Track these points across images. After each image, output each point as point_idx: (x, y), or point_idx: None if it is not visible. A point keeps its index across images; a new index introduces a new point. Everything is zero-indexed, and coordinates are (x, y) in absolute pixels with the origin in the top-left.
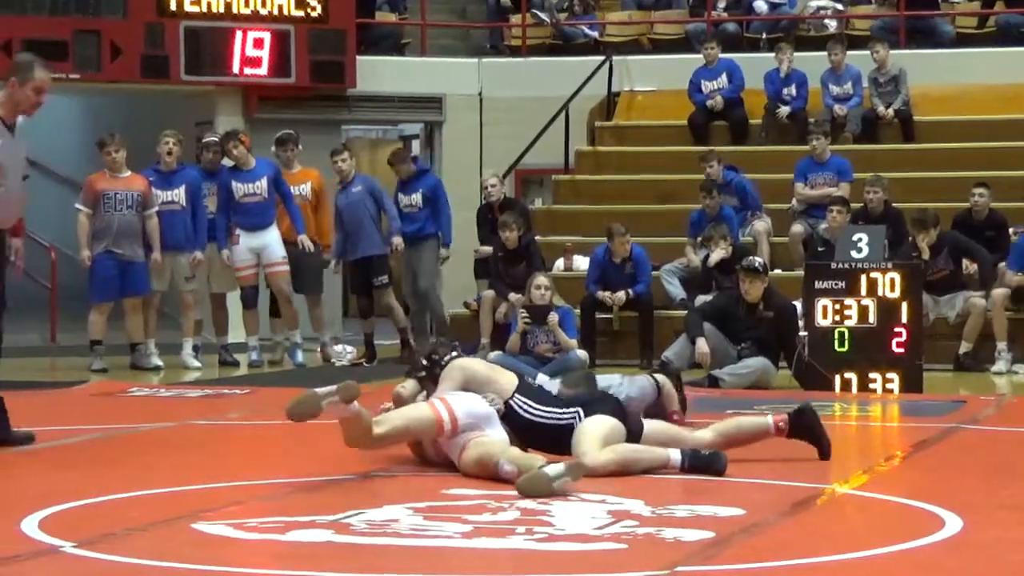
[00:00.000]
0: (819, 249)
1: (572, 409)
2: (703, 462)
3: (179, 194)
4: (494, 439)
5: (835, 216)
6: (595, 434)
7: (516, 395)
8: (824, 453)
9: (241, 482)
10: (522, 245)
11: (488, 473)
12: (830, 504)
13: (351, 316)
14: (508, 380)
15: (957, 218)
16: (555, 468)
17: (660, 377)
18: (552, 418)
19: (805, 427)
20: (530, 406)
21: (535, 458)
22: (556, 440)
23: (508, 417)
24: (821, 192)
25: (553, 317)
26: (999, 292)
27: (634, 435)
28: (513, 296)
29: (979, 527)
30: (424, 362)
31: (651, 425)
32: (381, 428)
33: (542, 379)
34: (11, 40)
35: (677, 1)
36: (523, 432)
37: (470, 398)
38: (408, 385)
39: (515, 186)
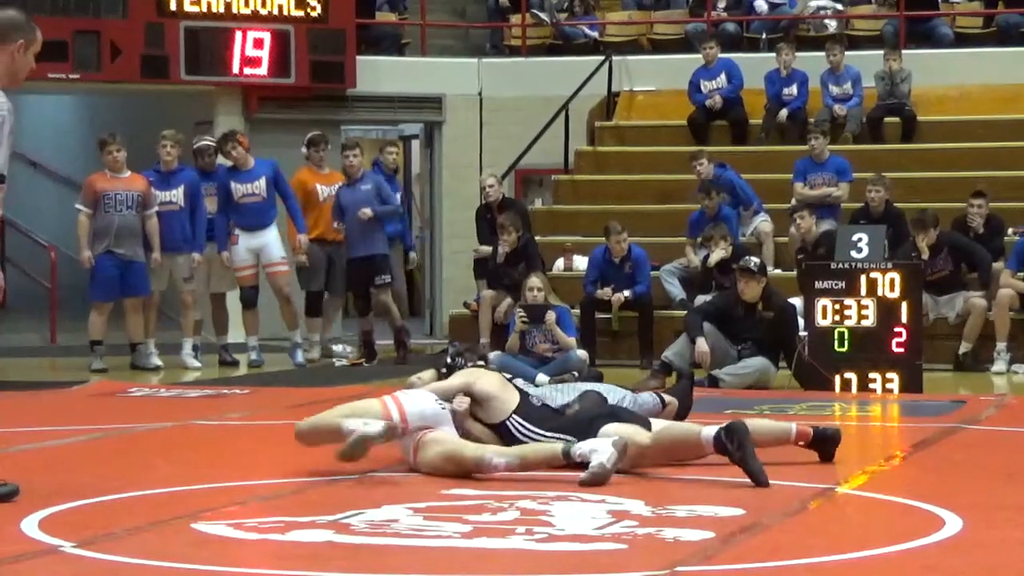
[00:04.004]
0: (808, 249)
1: (565, 437)
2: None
3: (178, 194)
4: (448, 435)
5: (800, 224)
6: (624, 432)
7: (513, 415)
8: (824, 460)
9: (241, 482)
10: (520, 245)
11: (462, 470)
12: (830, 504)
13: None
14: (510, 399)
15: (955, 225)
16: (609, 456)
17: (668, 397)
18: (544, 440)
19: (823, 447)
20: (526, 427)
21: (525, 448)
22: None
23: (503, 436)
24: (820, 192)
25: (551, 316)
26: (1004, 293)
27: None
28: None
29: (979, 527)
30: (448, 360)
31: (658, 425)
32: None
33: (542, 379)
34: None
35: (677, 1)
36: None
37: (422, 398)
38: (425, 376)
39: (515, 186)
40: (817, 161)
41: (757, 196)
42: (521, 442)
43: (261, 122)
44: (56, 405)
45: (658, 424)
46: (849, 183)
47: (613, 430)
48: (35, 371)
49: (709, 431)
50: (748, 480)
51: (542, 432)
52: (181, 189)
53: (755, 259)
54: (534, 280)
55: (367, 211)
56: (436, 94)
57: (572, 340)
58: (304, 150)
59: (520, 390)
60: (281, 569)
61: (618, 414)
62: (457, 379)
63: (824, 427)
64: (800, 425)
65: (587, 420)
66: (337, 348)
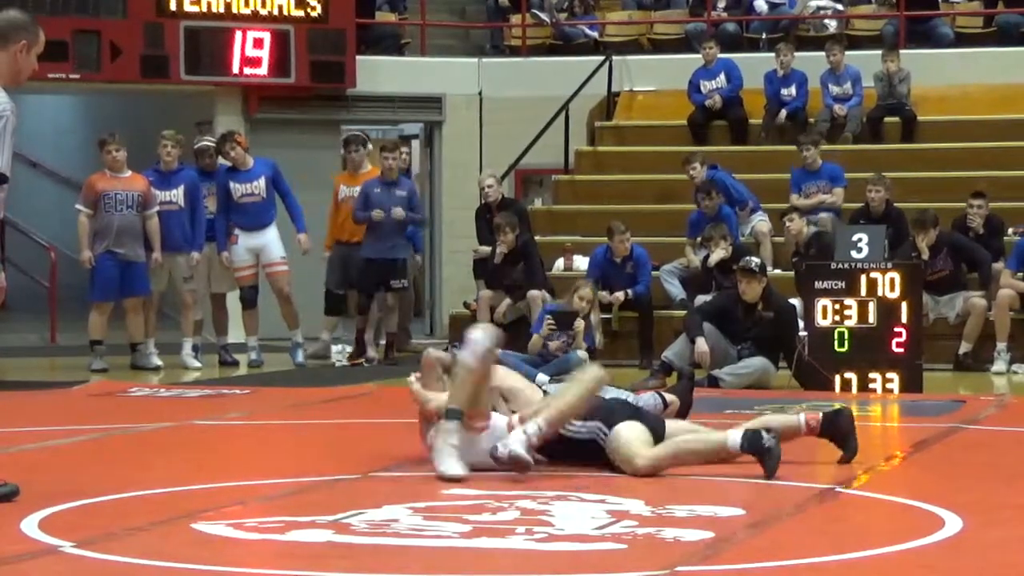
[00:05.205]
0: (801, 251)
1: (592, 422)
2: (760, 450)
3: (178, 194)
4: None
5: (789, 227)
6: (633, 438)
7: None
8: (846, 459)
9: (241, 482)
10: (519, 246)
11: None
12: (830, 504)
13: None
14: (534, 395)
15: (955, 225)
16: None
17: (670, 396)
18: (572, 431)
19: (838, 431)
20: None
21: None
22: (578, 453)
23: None
24: (815, 201)
25: (579, 324)
26: (1004, 293)
27: (656, 436)
28: (533, 293)
29: (979, 527)
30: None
31: (672, 425)
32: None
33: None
34: None
35: (677, 1)
36: (546, 445)
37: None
38: (443, 355)
39: (515, 186)
40: (810, 170)
41: (755, 196)
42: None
43: (261, 122)
44: (56, 405)
45: (677, 426)
46: (843, 188)
47: (624, 432)
48: (35, 371)
49: (735, 436)
50: (748, 480)
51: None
52: (181, 189)
53: (756, 259)
54: (586, 291)
55: (400, 211)
56: (436, 94)
57: (584, 344)
58: (341, 152)
59: (543, 390)
60: (281, 569)
61: (641, 416)
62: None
63: (833, 409)
64: (807, 414)
65: (608, 410)
66: (335, 348)
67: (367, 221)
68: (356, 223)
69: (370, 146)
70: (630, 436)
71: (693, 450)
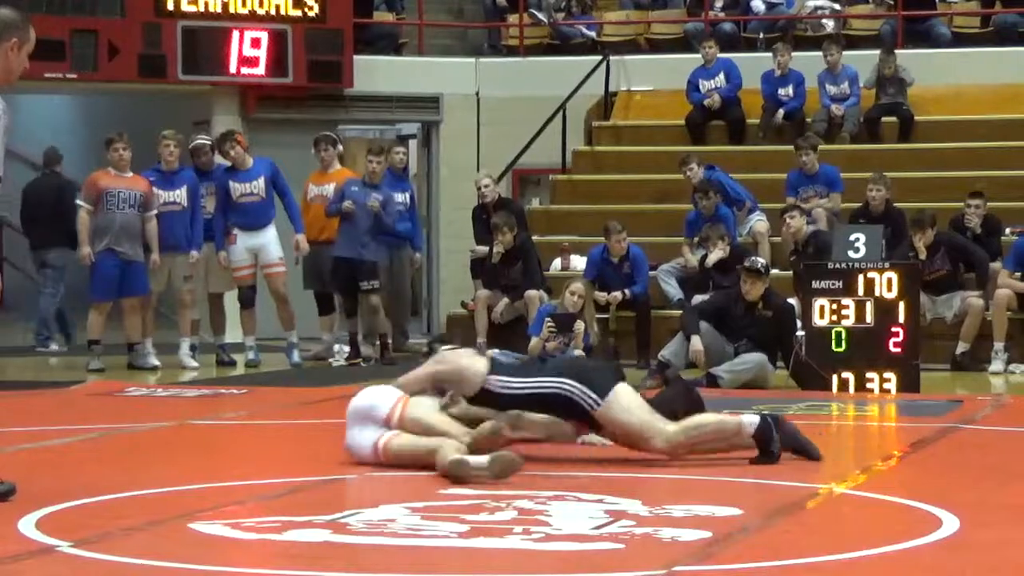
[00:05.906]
0: (799, 249)
1: (562, 380)
2: (765, 450)
3: (181, 195)
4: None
5: (789, 224)
6: (644, 409)
7: (489, 377)
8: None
9: (238, 482)
10: (517, 245)
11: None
12: (827, 504)
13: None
14: (479, 365)
15: (952, 224)
16: (478, 460)
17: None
18: (534, 388)
19: (788, 447)
20: (506, 382)
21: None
22: (545, 410)
23: (488, 400)
24: (811, 205)
25: (579, 326)
26: (1002, 293)
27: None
28: (531, 293)
29: (976, 527)
30: (426, 350)
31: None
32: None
33: None
34: None
35: (674, 1)
36: (510, 409)
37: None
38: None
39: (512, 186)
40: (808, 173)
41: (753, 196)
42: (508, 396)
43: (258, 122)
44: (53, 405)
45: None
46: (840, 193)
47: (627, 404)
48: (32, 371)
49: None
50: (745, 479)
51: (525, 380)
52: (184, 189)
53: (761, 260)
54: (577, 286)
55: (376, 202)
56: (433, 94)
57: (582, 345)
58: (312, 152)
59: (490, 356)
60: (278, 569)
61: (624, 376)
62: (423, 369)
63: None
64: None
65: (587, 367)
66: (335, 348)
67: (337, 214)
68: (327, 216)
69: (340, 147)
70: (637, 409)
71: (709, 432)
